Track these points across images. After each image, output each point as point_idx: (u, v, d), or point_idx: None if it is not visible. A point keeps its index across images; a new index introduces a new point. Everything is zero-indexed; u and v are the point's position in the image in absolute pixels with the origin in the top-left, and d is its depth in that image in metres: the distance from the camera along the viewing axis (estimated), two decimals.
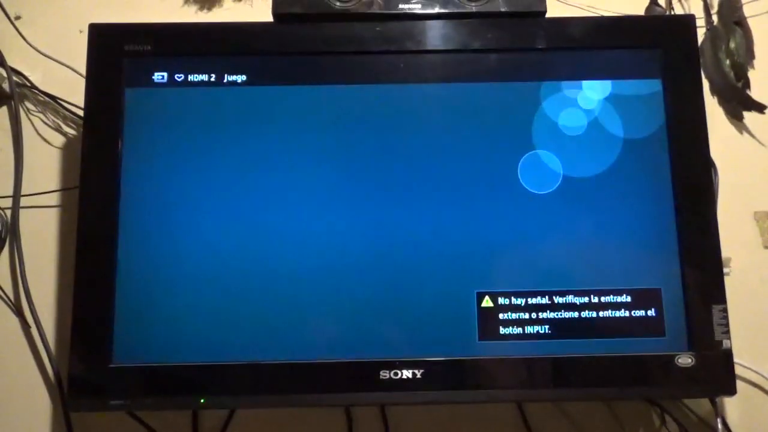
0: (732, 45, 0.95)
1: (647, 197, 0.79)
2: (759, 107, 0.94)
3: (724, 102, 0.96)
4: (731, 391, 0.76)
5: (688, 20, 0.84)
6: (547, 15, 0.84)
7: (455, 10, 0.83)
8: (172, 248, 0.78)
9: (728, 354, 0.75)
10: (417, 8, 0.83)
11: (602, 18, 0.93)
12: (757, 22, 0.97)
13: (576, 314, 0.77)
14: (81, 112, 0.88)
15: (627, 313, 0.77)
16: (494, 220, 0.79)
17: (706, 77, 0.96)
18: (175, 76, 0.82)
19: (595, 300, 0.77)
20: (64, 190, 0.91)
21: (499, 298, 0.77)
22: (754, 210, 0.93)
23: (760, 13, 0.98)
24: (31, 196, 0.90)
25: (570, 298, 0.77)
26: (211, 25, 0.87)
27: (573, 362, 0.76)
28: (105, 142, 0.79)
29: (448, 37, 0.83)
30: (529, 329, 0.77)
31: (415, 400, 0.77)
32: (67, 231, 0.90)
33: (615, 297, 0.77)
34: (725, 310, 0.76)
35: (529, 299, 0.77)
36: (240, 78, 0.82)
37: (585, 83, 0.82)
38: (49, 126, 0.94)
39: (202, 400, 0.76)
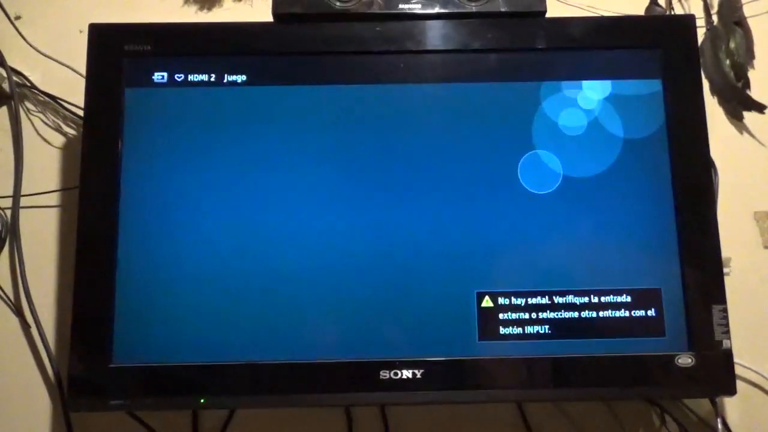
0: (732, 45, 0.95)
1: (647, 197, 0.79)
2: (759, 107, 0.94)
3: (724, 102, 0.96)
4: (731, 391, 0.76)
5: (688, 20, 0.84)
6: (547, 15, 0.84)
7: (455, 10, 0.83)
8: (172, 248, 0.78)
9: (728, 354, 0.75)
10: (417, 8, 0.83)
11: (602, 18, 0.93)
12: (757, 22, 0.97)
13: (576, 314, 0.77)
14: (81, 112, 0.88)
15: (627, 313, 0.77)
16: (494, 220, 0.79)
17: (706, 77, 0.96)
18: (175, 76, 0.82)
19: (595, 300, 0.77)
20: (64, 190, 0.91)
21: (499, 298, 0.77)
22: (754, 210, 0.93)
23: (760, 13, 0.98)
24: (31, 196, 0.90)
25: (570, 298, 0.77)
26: (211, 25, 0.87)
27: (573, 362, 0.76)
28: (105, 142, 0.79)
29: (448, 37, 0.83)
30: (529, 329, 0.77)
31: (415, 400, 0.77)
32: (67, 231, 0.90)
33: (615, 297, 0.77)
34: (725, 310, 0.76)
35: (529, 299, 0.77)
36: (240, 78, 0.82)
37: (585, 83, 0.82)
38: (49, 126, 0.94)
39: (202, 400, 0.76)
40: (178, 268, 0.77)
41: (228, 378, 0.75)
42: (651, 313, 0.77)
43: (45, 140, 0.93)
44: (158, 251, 0.78)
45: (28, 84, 0.93)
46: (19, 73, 0.93)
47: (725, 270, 0.85)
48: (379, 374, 0.75)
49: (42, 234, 0.90)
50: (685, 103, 0.81)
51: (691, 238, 0.78)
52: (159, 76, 0.82)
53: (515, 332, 0.77)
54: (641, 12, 0.97)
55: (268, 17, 0.84)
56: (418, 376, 0.75)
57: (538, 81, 0.82)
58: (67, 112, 0.93)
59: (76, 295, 0.76)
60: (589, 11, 0.97)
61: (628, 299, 0.77)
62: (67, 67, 0.93)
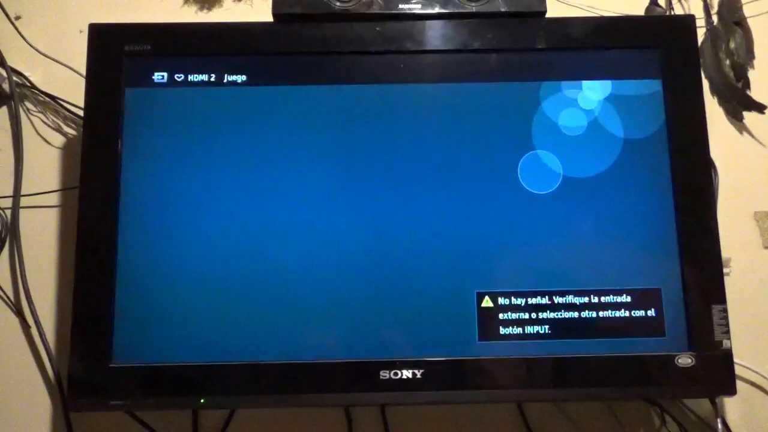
0: (732, 45, 0.95)
1: (647, 197, 0.79)
2: (759, 107, 0.94)
3: (724, 102, 0.96)
4: (731, 391, 0.76)
5: (688, 20, 0.84)
6: (547, 15, 0.84)
7: (455, 10, 0.83)
8: (172, 248, 0.78)
9: (728, 354, 0.75)
10: (417, 8, 0.83)
11: (602, 18, 0.93)
12: (757, 22, 0.97)
13: (576, 314, 0.77)
14: (81, 112, 0.88)
15: (627, 313, 0.77)
16: (494, 220, 0.79)
17: (706, 77, 0.96)
18: (175, 76, 0.82)
19: (595, 300, 0.77)
20: (64, 190, 0.91)
21: (499, 298, 0.77)
22: (754, 210, 0.93)
23: (760, 13, 0.98)
24: (31, 196, 0.90)
25: (570, 298, 0.77)
26: (211, 25, 0.87)
27: (573, 362, 0.76)
28: (105, 142, 0.79)
29: (447, 37, 0.83)
30: (529, 329, 0.77)
31: (415, 400, 0.77)
32: (67, 231, 0.90)
33: (615, 297, 0.77)
34: (725, 310, 0.76)
35: (529, 299, 0.77)
36: (240, 78, 0.82)
37: (585, 83, 0.82)
38: (49, 126, 0.94)
39: (202, 400, 0.76)
40: (178, 268, 0.77)
41: (228, 378, 0.75)
42: (651, 313, 0.77)
43: (45, 140, 0.93)
44: (158, 251, 0.78)
45: (28, 84, 0.93)
46: (19, 73, 0.93)
47: (725, 270, 0.85)
48: (379, 374, 0.75)
49: (42, 234, 0.90)
50: (685, 103, 0.81)
51: (691, 238, 0.78)
52: (159, 76, 0.82)
53: (515, 332, 0.77)
54: (641, 12, 0.97)
55: (268, 17, 0.84)
56: (418, 376, 0.75)
57: (538, 81, 0.82)
58: (67, 112, 0.93)
59: (76, 295, 0.76)
60: (589, 11, 0.97)
61: (628, 299, 0.77)
62: (67, 67, 0.93)
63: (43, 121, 0.94)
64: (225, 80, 0.82)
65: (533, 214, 0.79)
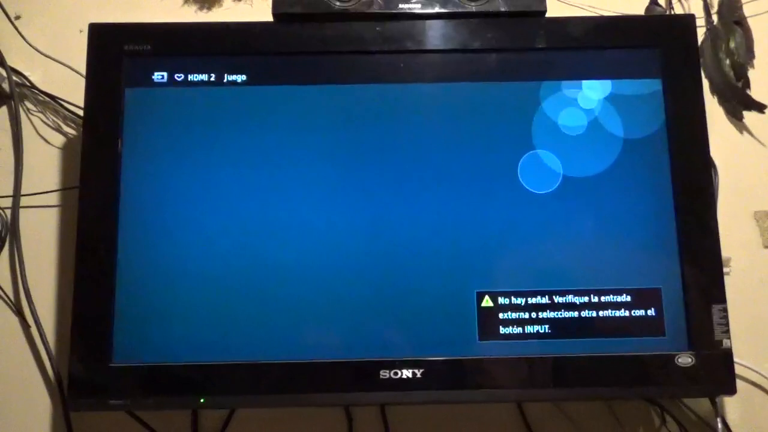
0: (732, 45, 0.95)
1: (647, 197, 0.79)
2: (759, 107, 0.94)
3: (724, 101, 0.96)
4: (731, 390, 0.76)
5: (688, 20, 0.84)
6: (547, 15, 0.84)
7: (455, 10, 0.83)
8: (171, 248, 0.78)
9: (728, 353, 0.75)
10: (417, 8, 0.83)
11: (602, 18, 0.93)
12: (757, 21, 0.97)
13: (576, 314, 0.77)
14: (81, 112, 0.88)
15: (627, 313, 0.77)
16: (494, 220, 0.79)
17: (706, 77, 0.96)
18: (175, 76, 0.82)
19: (595, 300, 0.77)
20: (64, 189, 0.91)
21: (499, 298, 0.77)
22: (754, 210, 0.93)
23: (760, 13, 0.98)
24: (31, 196, 0.90)
25: (570, 298, 0.77)
26: (210, 25, 0.87)
27: (573, 362, 0.76)
28: (105, 142, 0.79)
29: (447, 36, 0.83)
30: (529, 329, 0.77)
31: (415, 400, 0.77)
32: (67, 231, 0.90)
33: (615, 297, 0.77)
34: (725, 310, 0.76)
35: (529, 299, 0.77)
36: (240, 78, 0.82)
37: (585, 83, 0.82)
38: (49, 126, 0.94)
39: (202, 400, 0.76)
40: (178, 268, 0.77)
41: (228, 378, 0.75)
42: (651, 312, 0.77)
43: (45, 140, 0.93)
44: (158, 251, 0.78)
45: (28, 84, 0.93)
46: (19, 73, 0.93)
47: (725, 270, 0.85)
48: (379, 374, 0.75)
49: (42, 234, 0.90)
50: (685, 103, 0.81)
51: (691, 237, 0.78)
52: (159, 76, 0.82)
53: (515, 332, 0.77)
54: (641, 12, 0.97)
55: (268, 17, 0.84)
56: (418, 375, 0.75)
57: (538, 81, 0.82)
58: (67, 112, 0.93)
59: (76, 295, 0.76)
60: (589, 11, 0.96)
61: (628, 299, 0.77)
62: (67, 66, 0.93)
63: (43, 121, 0.94)
64: (225, 80, 0.82)
65: (533, 214, 0.79)
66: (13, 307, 0.88)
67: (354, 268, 0.78)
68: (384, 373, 0.75)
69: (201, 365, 0.75)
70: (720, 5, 0.98)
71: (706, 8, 0.98)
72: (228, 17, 0.97)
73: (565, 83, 0.82)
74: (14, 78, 0.92)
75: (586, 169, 0.80)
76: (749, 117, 0.96)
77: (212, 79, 0.82)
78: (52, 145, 0.93)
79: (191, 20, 0.96)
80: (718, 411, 0.81)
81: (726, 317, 0.76)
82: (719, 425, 0.80)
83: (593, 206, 0.79)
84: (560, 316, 0.77)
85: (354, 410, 0.86)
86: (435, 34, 0.82)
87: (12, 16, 0.95)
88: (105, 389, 0.75)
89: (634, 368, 0.76)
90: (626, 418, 0.87)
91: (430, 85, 0.82)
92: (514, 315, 0.77)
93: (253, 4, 0.98)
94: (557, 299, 0.77)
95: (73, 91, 0.90)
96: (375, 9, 0.83)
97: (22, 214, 0.90)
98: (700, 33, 0.95)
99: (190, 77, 0.82)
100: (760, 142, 0.95)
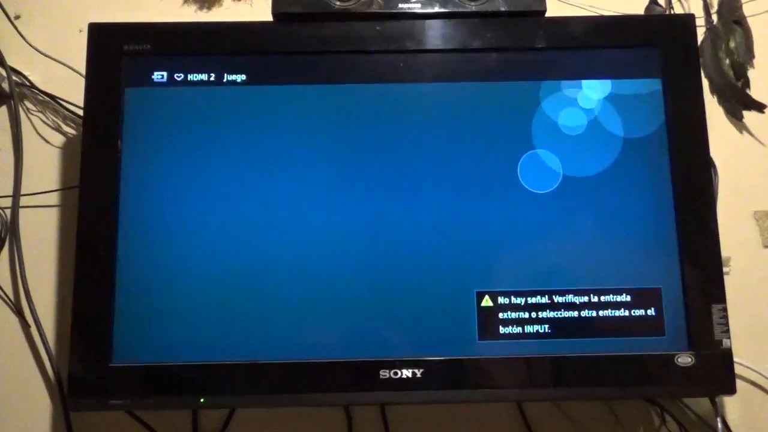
0: (732, 44, 0.95)
1: (647, 197, 0.79)
2: (759, 106, 0.94)
3: (723, 101, 0.96)
4: (731, 390, 0.76)
5: (688, 20, 0.84)
6: (547, 14, 0.84)
7: (455, 10, 0.83)
8: (171, 248, 0.78)
9: (728, 353, 0.75)
10: (416, 7, 0.83)
11: (602, 17, 0.93)
12: (757, 21, 0.97)
13: (576, 314, 0.77)
14: (81, 112, 0.88)
15: (627, 313, 0.77)
16: (494, 220, 0.79)
17: (706, 77, 0.96)
18: (175, 76, 0.82)
19: (595, 299, 0.77)
20: (64, 189, 0.91)
21: (499, 298, 0.77)
22: (754, 209, 0.93)
23: (760, 13, 0.98)
24: (30, 196, 0.90)
25: (570, 298, 0.77)
26: (210, 25, 0.87)
27: (573, 362, 0.76)
28: (105, 142, 0.79)
29: (447, 36, 0.83)
30: (528, 329, 0.77)
31: (415, 400, 0.77)
32: (67, 231, 0.90)
33: (615, 296, 0.77)
34: (725, 310, 0.76)
35: (528, 299, 0.77)
36: (240, 77, 0.82)
37: (585, 83, 0.82)
38: (49, 126, 0.94)
39: (202, 400, 0.76)
40: (178, 268, 0.77)
41: (228, 378, 0.75)
42: (651, 312, 0.77)
43: (45, 140, 0.93)
44: (158, 251, 0.78)
45: (28, 84, 0.93)
46: (18, 73, 0.93)
47: (725, 269, 0.85)
48: (379, 374, 0.75)
49: (42, 234, 0.90)
50: (685, 103, 0.81)
51: (691, 237, 0.78)
52: (159, 76, 0.82)
53: (515, 332, 0.77)
54: (641, 11, 0.97)
55: (268, 17, 0.84)
56: (418, 375, 0.75)
57: (538, 80, 0.82)
58: (66, 112, 0.93)
59: (76, 295, 0.76)
60: (588, 11, 0.96)
61: (628, 299, 0.77)
62: (67, 66, 0.93)
63: (42, 121, 0.94)
64: (224, 80, 0.82)
65: (533, 214, 0.79)
66: (13, 307, 0.88)
67: (354, 268, 0.77)
68: (384, 373, 0.75)
69: (201, 365, 0.75)
70: (720, 5, 0.98)
71: (706, 8, 0.98)
72: (228, 17, 0.97)
73: (565, 83, 0.82)
74: (14, 78, 0.92)
75: (586, 169, 0.80)
76: (749, 117, 0.96)
77: (212, 78, 0.82)
78: (52, 145, 0.93)
79: (191, 20, 0.96)
80: (718, 411, 0.81)
81: (726, 317, 0.76)
82: (719, 425, 0.80)
83: (593, 206, 0.79)
84: (560, 315, 0.77)
85: (354, 410, 0.86)
86: (435, 34, 0.82)
87: (12, 16, 0.95)
88: (105, 389, 0.75)
89: (633, 368, 0.76)
90: (626, 418, 0.87)
91: (430, 85, 0.82)
92: (514, 315, 0.77)
93: (252, 4, 0.98)
94: (557, 299, 0.77)
95: (73, 91, 0.90)
96: (375, 9, 0.83)
97: (22, 214, 0.90)
98: (700, 33, 0.95)
99: (190, 77, 0.82)
100: (760, 142, 0.95)
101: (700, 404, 0.86)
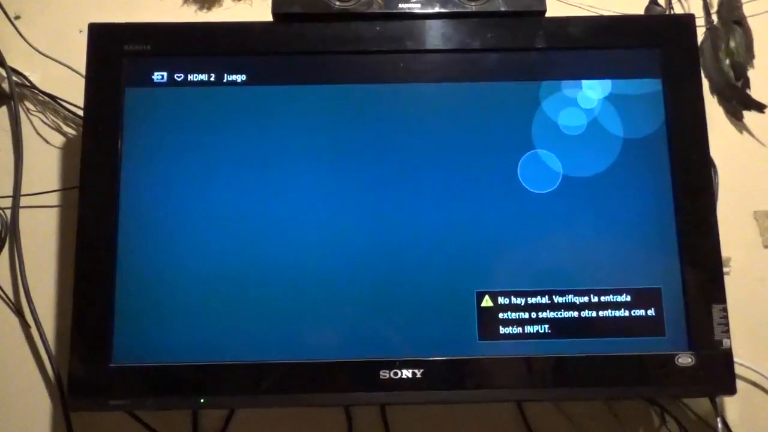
0: (732, 44, 0.95)
1: (647, 197, 0.79)
2: (759, 106, 0.94)
3: (723, 101, 0.96)
4: (731, 390, 0.76)
5: (688, 20, 0.84)
6: (547, 14, 0.84)
7: (455, 10, 0.83)
8: (171, 248, 0.78)
9: (728, 353, 0.75)
10: (416, 8, 0.83)
11: (602, 18, 0.93)
12: (757, 21, 0.97)
13: (576, 314, 0.77)
14: (81, 112, 0.88)
15: (627, 313, 0.77)
16: (494, 220, 0.79)
17: (706, 77, 0.96)
18: (175, 76, 0.82)
19: (595, 299, 0.77)
20: (64, 190, 0.91)
21: (499, 298, 0.77)
22: (754, 210, 0.93)
23: (760, 13, 0.98)
24: (31, 196, 0.90)
25: (570, 298, 0.77)
26: (210, 25, 0.87)
27: (573, 362, 0.76)
28: (105, 142, 0.79)
29: (447, 36, 0.83)
30: (528, 329, 0.77)
31: (415, 400, 0.77)
32: (67, 231, 0.90)
33: (615, 296, 0.77)
34: (725, 310, 0.76)
35: (528, 299, 0.77)
36: (240, 78, 0.82)
37: (585, 83, 0.82)
38: (49, 126, 0.94)
39: (202, 400, 0.76)
40: (178, 268, 0.77)
41: (228, 378, 0.75)
42: (651, 312, 0.77)
43: (45, 140, 0.93)
44: (158, 251, 0.78)
45: (28, 84, 0.93)
46: (19, 73, 0.93)
47: (725, 269, 0.85)
48: (379, 374, 0.75)
49: (42, 234, 0.90)
50: (685, 103, 0.81)
51: (691, 237, 0.78)
52: (159, 76, 0.82)
53: (515, 332, 0.77)
54: (641, 12, 0.97)
55: (268, 17, 0.84)
56: (418, 375, 0.75)
57: (538, 81, 0.82)
58: (67, 112, 0.93)
59: (76, 295, 0.76)
60: (589, 11, 0.96)
61: (628, 299, 0.77)
62: (67, 66, 0.93)
63: (43, 121, 0.94)
64: (225, 80, 0.82)
65: (533, 214, 0.79)
66: (13, 307, 0.88)
67: (354, 268, 0.77)
68: (384, 373, 0.75)
69: (201, 365, 0.75)
70: (720, 5, 0.98)
71: (706, 8, 0.98)
72: (228, 17, 0.97)
73: (565, 83, 0.82)
74: (14, 78, 0.92)
75: (586, 169, 0.80)
76: (749, 117, 0.96)
77: (212, 78, 0.82)
78: (52, 145, 0.93)
79: (191, 20, 0.96)
80: (718, 411, 0.81)
81: (726, 317, 0.76)
82: (719, 425, 0.80)
83: (593, 206, 0.79)
84: (560, 316, 0.77)
85: (354, 410, 0.86)
86: (435, 34, 0.82)
87: (12, 16, 0.95)
88: (105, 389, 0.75)
89: (634, 368, 0.76)
90: (626, 418, 0.87)
91: (430, 85, 0.82)
92: (514, 315, 0.77)
93: (252, 4, 0.98)
94: (557, 299, 0.77)
95: (73, 91, 0.90)
96: (375, 9, 0.83)
97: (22, 214, 0.90)
98: (700, 33, 0.95)
99: (190, 77, 0.82)
100: (760, 142, 0.95)
101: (700, 404, 0.86)
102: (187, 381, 0.75)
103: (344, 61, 0.83)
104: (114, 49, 0.81)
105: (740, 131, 0.96)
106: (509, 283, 0.78)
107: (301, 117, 0.81)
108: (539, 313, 0.77)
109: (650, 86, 0.82)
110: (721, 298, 0.76)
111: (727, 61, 0.95)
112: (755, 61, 0.96)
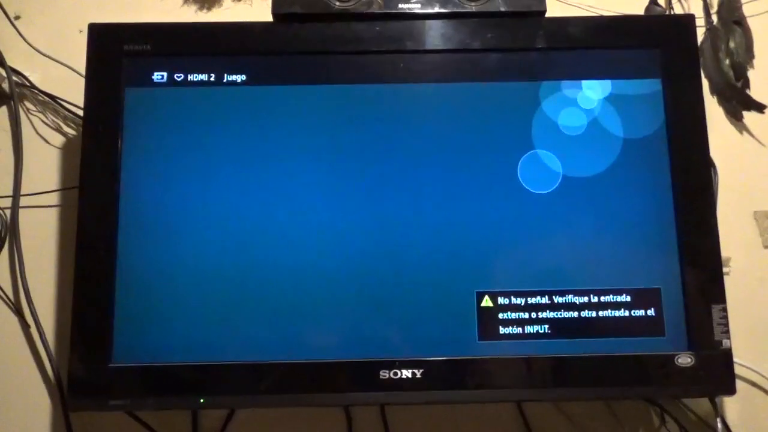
0: (732, 45, 0.95)
1: (647, 197, 0.79)
2: (758, 107, 0.94)
3: (723, 102, 0.96)
4: (731, 390, 0.76)
5: (688, 20, 0.84)
6: (547, 15, 0.84)
7: (455, 10, 0.83)
8: (171, 248, 0.78)
9: (728, 353, 0.75)
10: (416, 8, 0.83)
11: (602, 18, 0.93)
12: (757, 21, 0.97)
13: (576, 314, 0.77)
14: (81, 112, 0.88)
15: (627, 313, 0.77)
16: (494, 220, 0.79)
17: (706, 77, 0.96)
18: (175, 76, 0.82)
19: (595, 300, 0.77)
20: (64, 189, 0.91)
21: (499, 298, 0.77)
22: (754, 210, 0.93)
23: (760, 13, 0.98)
24: (30, 196, 0.90)
25: (570, 298, 0.77)
26: (210, 25, 0.87)
27: (573, 362, 0.76)
28: (105, 142, 0.79)
29: (447, 36, 0.83)
30: (528, 329, 0.77)
31: (415, 400, 0.77)
32: (67, 231, 0.90)
33: (615, 297, 0.77)
34: (725, 310, 0.76)
35: (528, 299, 0.77)
36: (239, 78, 0.82)
37: (585, 83, 0.82)
38: (49, 126, 0.94)
39: (202, 400, 0.76)
40: (178, 268, 0.77)
41: (228, 378, 0.75)
42: (651, 312, 0.77)
43: (45, 140, 0.93)
44: (158, 251, 0.78)
45: (28, 84, 0.93)
46: (19, 73, 0.93)
47: (725, 270, 0.85)
48: (379, 374, 0.75)
49: (42, 234, 0.90)
50: (685, 103, 0.81)
51: (691, 237, 0.78)
52: (159, 76, 0.82)
53: (515, 332, 0.77)
54: (641, 12, 0.97)
55: (268, 17, 0.84)
56: (418, 376, 0.75)
57: (538, 81, 0.82)
58: (66, 112, 0.93)
59: (76, 295, 0.76)
60: (588, 11, 0.97)
61: (628, 299, 0.77)
62: (67, 67, 0.93)
63: (42, 121, 0.94)
64: (224, 80, 0.82)
65: (533, 214, 0.79)
66: (13, 307, 0.88)
67: (353, 268, 0.78)
68: (384, 373, 0.75)
69: (201, 365, 0.75)
70: (720, 5, 0.98)
71: (706, 8, 0.98)
72: (228, 17, 0.97)
73: (565, 83, 0.82)
74: (14, 78, 0.92)
75: (586, 169, 0.80)
76: (749, 117, 0.96)
77: (212, 79, 0.82)
78: (52, 145, 0.93)
79: (191, 20, 0.96)
80: (717, 411, 0.81)
81: (726, 317, 0.76)
82: (719, 425, 0.80)
83: (593, 206, 0.79)
84: (560, 316, 0.77)
85: (354, 410, 0.86)
86: (435, 34, 0.82)
87: (12, 16, 0.95)
88: (105, 389, 0.75)
89: (633, 368, 0.76)
90: (626, 418, 0.87)
91: (430, 86, 0.82)
92: (514, 315, 0.77)
93: (252, 4, 0.98)
94: (557, 299, 0.77)
95: (73, 91, 0.90)
96: (375, 9, 0.83)
97: (22, 214, 0.90)
98: (700, 33, 0.95)
99: (190, 77, 0.82)
100: (760, 142, 0.95)
101: (700, 404, 0.86)
102: (187, 381, 0.75)
103: (344, 62, 0.83)
104: (114, 49, 0.81)
105: (740, 131, 0.96)
106: (509, 283, 0.78)
107: (301, 117, 0.81)
108: (539, 313, 0.77)
109: (650, 86, 0.82)
110: (720, 298, 0.76)
111: (727, 62, 0.95)
112: (755, 62, 0.97)
